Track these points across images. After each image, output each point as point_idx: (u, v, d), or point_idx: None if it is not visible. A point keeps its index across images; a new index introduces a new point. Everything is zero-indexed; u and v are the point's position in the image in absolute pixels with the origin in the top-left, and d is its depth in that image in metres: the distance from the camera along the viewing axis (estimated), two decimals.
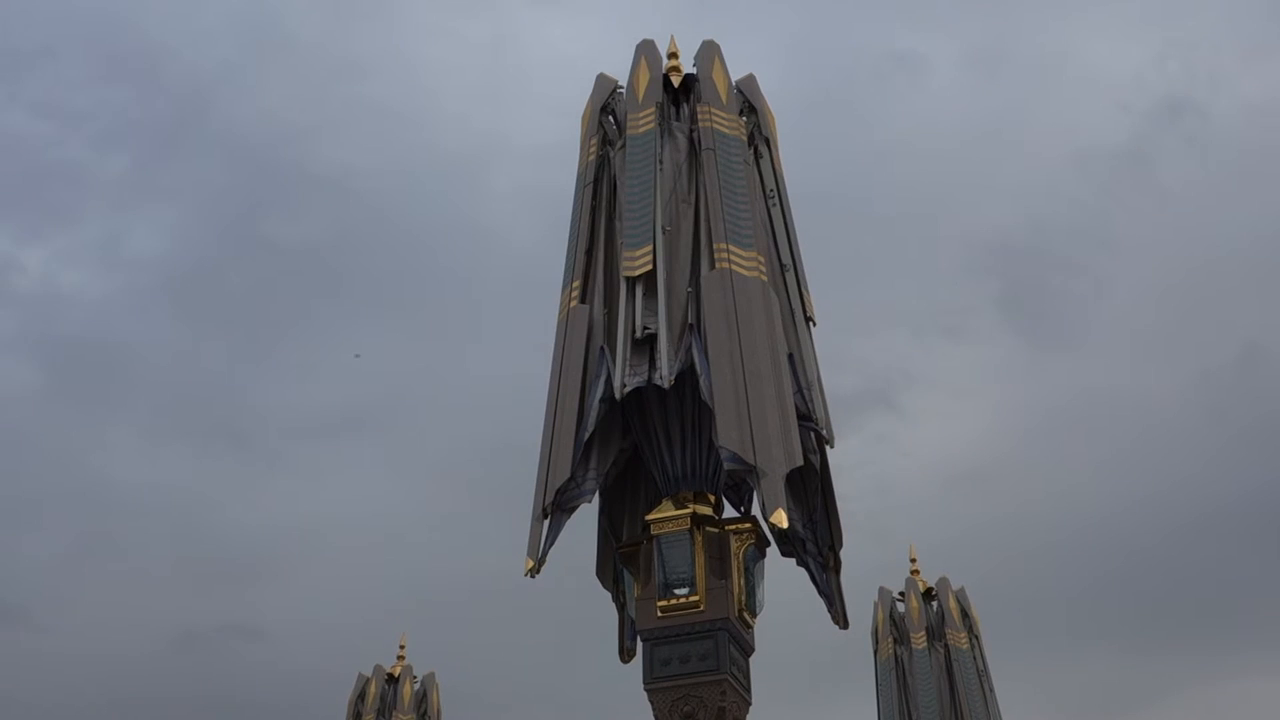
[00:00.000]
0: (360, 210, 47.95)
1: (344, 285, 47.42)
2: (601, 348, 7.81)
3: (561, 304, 8.26)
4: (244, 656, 37.63)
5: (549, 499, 7.38)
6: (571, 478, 7.43)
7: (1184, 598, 37.40)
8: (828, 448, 8.03)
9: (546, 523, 7.40)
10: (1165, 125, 48.40)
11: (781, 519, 6.80)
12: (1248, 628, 36.57)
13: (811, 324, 8.45)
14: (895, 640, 17.65)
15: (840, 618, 8.19)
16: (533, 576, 7.28)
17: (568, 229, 8.65)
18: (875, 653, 17.91)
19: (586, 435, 7.53)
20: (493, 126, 51.76)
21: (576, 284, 8.18)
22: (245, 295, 46.76)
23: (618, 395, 7.51)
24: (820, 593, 8.20)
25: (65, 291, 46.99)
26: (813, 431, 7.81)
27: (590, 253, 8.33)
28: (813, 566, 8.14)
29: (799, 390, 7.76)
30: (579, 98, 9.16)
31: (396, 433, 45.82)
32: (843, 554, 8.29)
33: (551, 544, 7.39)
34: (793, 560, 8.28)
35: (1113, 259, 44.90)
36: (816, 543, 8.09)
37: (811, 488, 7.92)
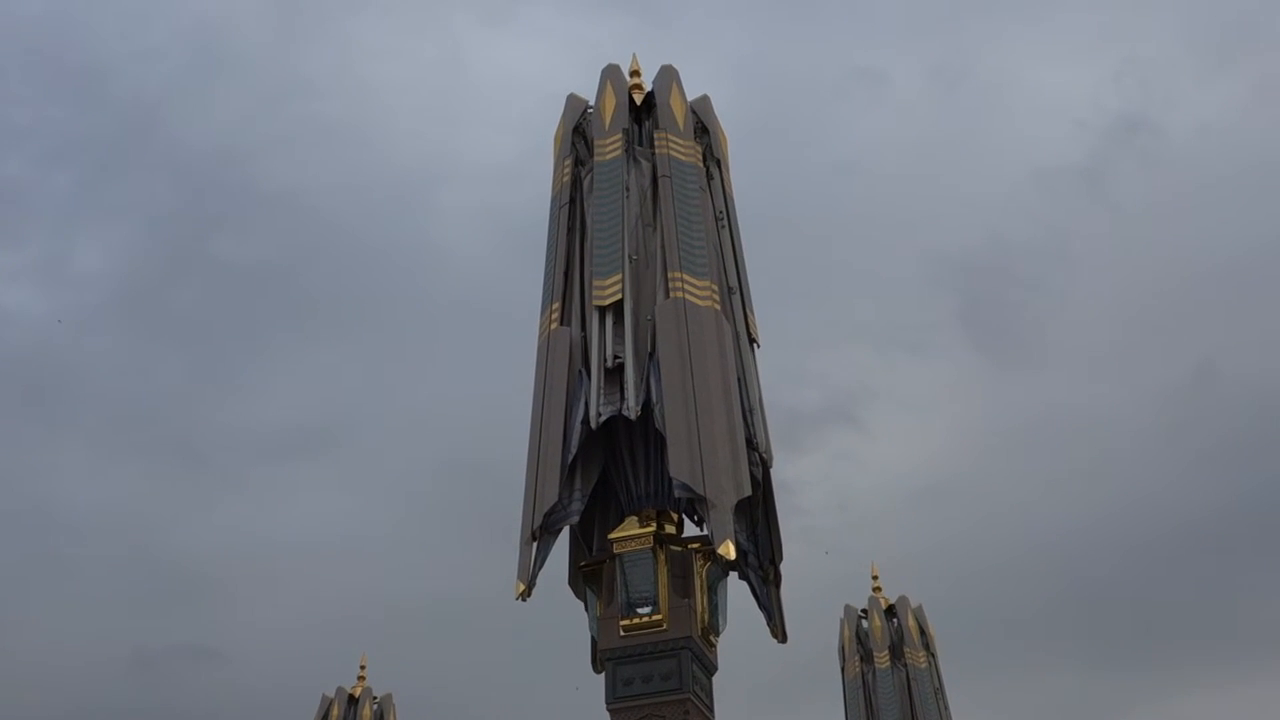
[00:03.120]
0: (311, 228, 47.68)
1: (295, 303, 47.07)
2: (580, 371, 7.92)
3: (542, 326, 8.36)
4: (202, 676, 37.17)
5: (537, 522, 7.42)
6: (558, 500, 7.49)
7: (1139, 615, 37.79)
8: (769, 467, 8.12)
9: (535, 545, 7.42)
10: (1122, 143, 49.05)
11: (729, 551, 6.98)
12: (1201, 645, 36.96)
13: (755, 345, 8.58)
14: (861, 658, 17.78)
15: (779, 631, 8.24)
16: (524, 600, 7.30)
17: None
18: (842, 670, 18.03)
19: (570, 457, 7.61)
20: (443, 145, 51.65)
21: (556, 306, 8.30)
22: (196, 314, 46.32)
23: (593, 424, 7.64)
24: (760, 606, 8.25)
25: (8, 309, 46.27)
26: (754, 451, 7.92)
27: (568, 274, 8.45)
28: (753, 580, 8.19)
29: (742, 413, 7.88)
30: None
31: (350, 451, 45.51)
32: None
33: (541, 566, 7.44)
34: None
35: (1071, 275, 45.46)
36: (758, 556, 8.13)
37: (754, 502, 7.96)
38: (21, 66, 48.97)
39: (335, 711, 18.17)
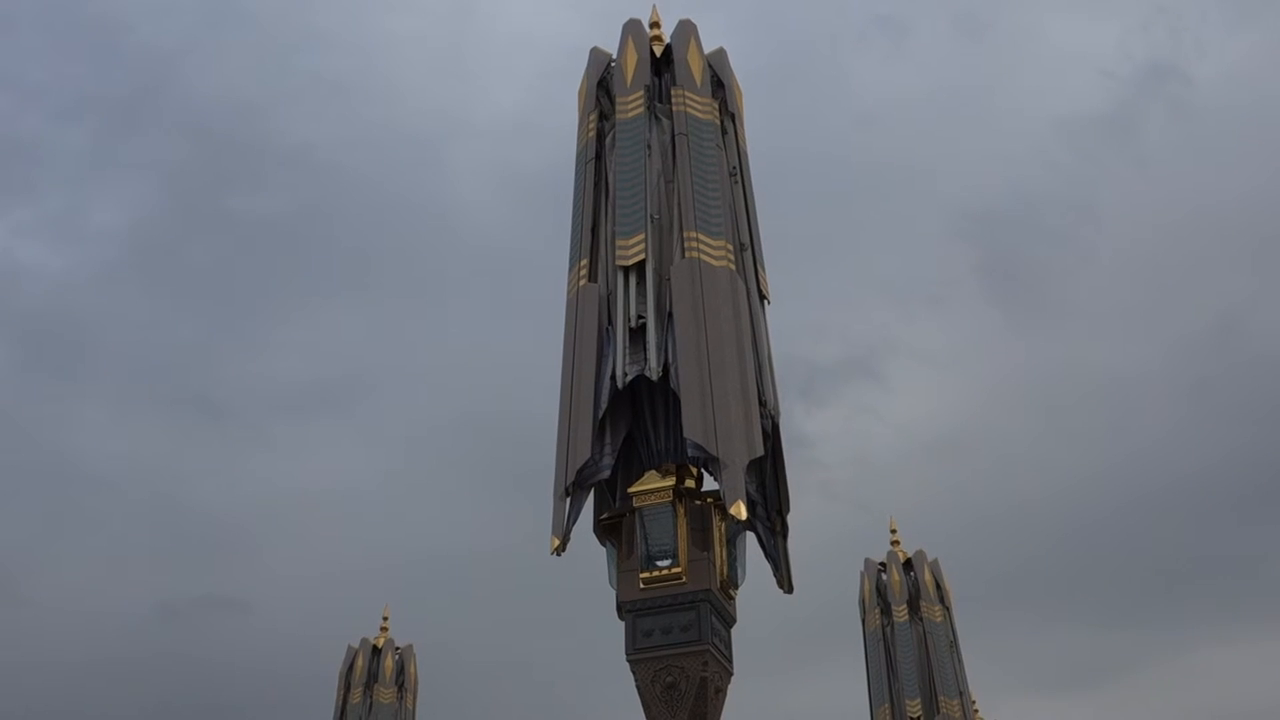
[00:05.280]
0: (326, 182, 47.80)
1: (312, 257, 47.27)
2: (607, 329, 8.00)
3: (570, 282, 8.41)
4: (228, 627, 37.71)
5: (571, 478, 7.52)
6: (590, 457, 7.58)
7: (1155, 571, 37.79)
8: (777, 421, 8.17)
9: (568, 501, 7.53)
10: (1149, 92, 48.49)
11: (740, 511, 7.07)
12: (1216, 600, 36.95)
13: (766, 302, 8.64)
14: (881, 611, 17.98)
15: (785, 582, 8.31)
16: (559, 554, 7.42)
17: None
18: (863, 623, 18.26)
19: (601, 413, 7.70)
20: (456, 99, 51.48)
21: (584, 263, 8.36)
22: (212, 268, 46.58)
23: (619, 384, 7.73)
24: (766, 556, 8.32)
25: (26, 265, 46.55)
26: (763, 407, 7.97)
27: (595, 231, 8.50)
28: (761, 531, 8.26)
29: (755, 373, 7.93)
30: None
31: (369, 405, 45.80)
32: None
33: (574, 522, 7.56)
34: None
35: (1094, 226, 45.19)
36: (766, 507, 8.20)
37: (762, 456, 8.00)
38: (36, 22, 48.99)
39: (360, 662, 18.59)
